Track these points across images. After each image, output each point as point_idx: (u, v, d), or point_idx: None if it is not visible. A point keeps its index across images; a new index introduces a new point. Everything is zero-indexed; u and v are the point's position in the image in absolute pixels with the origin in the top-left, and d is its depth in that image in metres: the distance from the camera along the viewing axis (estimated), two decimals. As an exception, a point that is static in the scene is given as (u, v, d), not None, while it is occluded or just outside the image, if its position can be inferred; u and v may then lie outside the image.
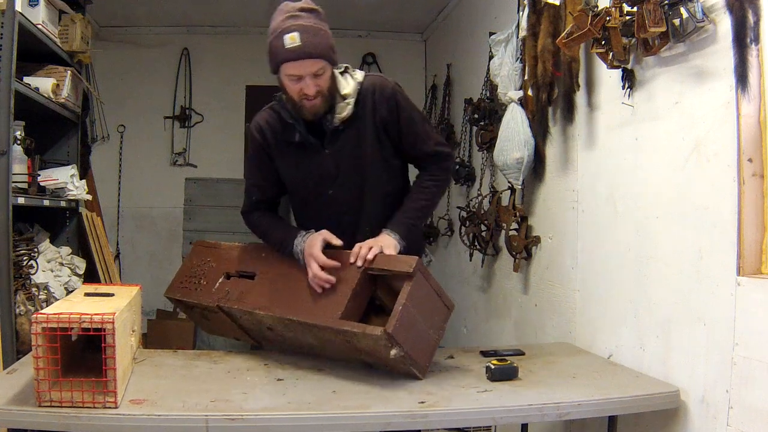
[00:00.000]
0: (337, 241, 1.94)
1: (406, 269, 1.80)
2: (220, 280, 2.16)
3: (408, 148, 2.08)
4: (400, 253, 1.91)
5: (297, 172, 2.05)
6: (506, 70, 2.81)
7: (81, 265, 3.13)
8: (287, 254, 2.01)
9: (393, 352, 1.71)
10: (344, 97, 1.96)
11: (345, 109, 1.96)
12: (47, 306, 2.15)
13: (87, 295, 1.84)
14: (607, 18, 1.92)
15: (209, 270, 2.23)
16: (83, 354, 1.77)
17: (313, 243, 1.93)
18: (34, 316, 1.47)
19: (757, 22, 1.56)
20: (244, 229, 2.21)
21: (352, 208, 2.05)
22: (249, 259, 2.17)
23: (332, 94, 1.94)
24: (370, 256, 1.86)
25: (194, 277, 2.25)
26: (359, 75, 2.01)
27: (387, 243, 1.92)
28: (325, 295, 1.88)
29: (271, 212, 2.18)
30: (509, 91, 2.78)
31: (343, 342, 1.85)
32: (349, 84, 1.98)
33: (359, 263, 1.86)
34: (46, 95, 2.77)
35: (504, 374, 1.82)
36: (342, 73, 2.00)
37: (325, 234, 1.95)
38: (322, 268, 1.88)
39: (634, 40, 1.95)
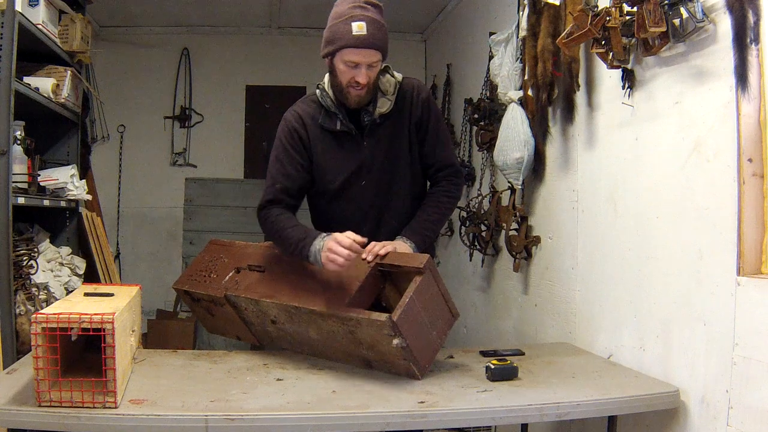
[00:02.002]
0: (360, 239, 1.87)
1: (416, 264, 1.83)
2: (230, 274, 2.20)
3: (429, 152, 2.15)
4: None
5: (334, 159, 2.09)
6: (506, 70, 2.81)
7: (81, 265, 3.13)
8: (302, 256, 1.93)
9: (395, 341, 1.72)
10: (384, 93, 2.07)
11: (385, 105, 2.06)
12: (47, 306, 2.15)
13: (87, 295, 1.84)
14: (607, 18, 1.92)
15: (221, 265, 2.27)
16: (83, 354, 1.77)
17: (337, 234, 1.87)
18: (34, 316, 1.47)
19: (757, 22, 1.56)
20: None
21: (380, 201, 2.12)
22: (261, 256, 2.20)
23: (375, 88, 2.04)
24: (382, 252, 1.90)
25: (205, 271, 2.29)
26: (398, 75, 2.12)
27: (402, 247, 1.98)
28: (332, 288, 1.91)
29: (291, 213, 2.08)
30: (509, 91, 2.78)
31: (346, 333, 1.85)
32: (390, 82, 2.09)
33: (369, 258, 1.89)
34: (46, 95, 2.77)
35: (504, 374, 1.82)
36: (382, 72, 2.08)
37: (350, 233, 1.88)
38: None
39: (634, 40, 1.95)
